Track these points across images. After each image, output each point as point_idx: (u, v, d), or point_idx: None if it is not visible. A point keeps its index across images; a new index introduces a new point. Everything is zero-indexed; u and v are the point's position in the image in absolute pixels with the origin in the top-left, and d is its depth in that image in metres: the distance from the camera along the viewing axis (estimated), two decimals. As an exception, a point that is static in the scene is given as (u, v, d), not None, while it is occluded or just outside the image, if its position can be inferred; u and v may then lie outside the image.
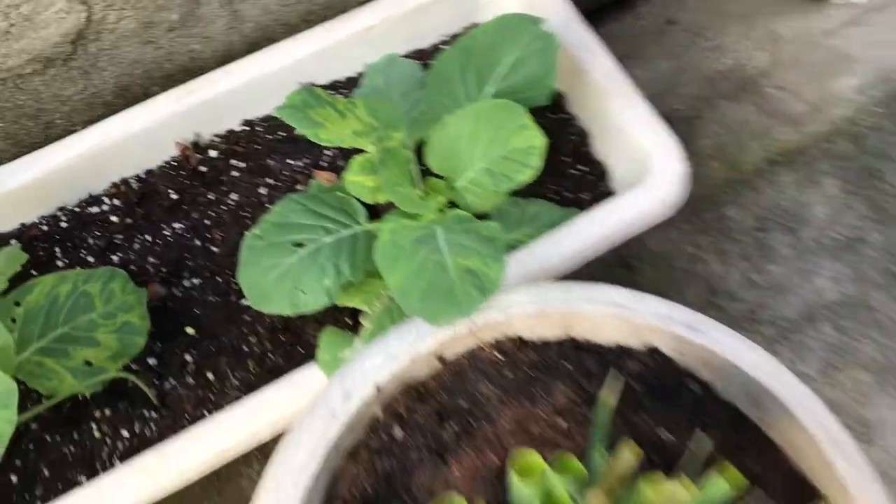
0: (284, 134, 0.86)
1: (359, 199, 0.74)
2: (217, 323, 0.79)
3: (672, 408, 0.62)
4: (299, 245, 0.71)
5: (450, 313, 0.61)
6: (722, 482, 0.47)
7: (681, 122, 1.14)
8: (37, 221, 0.84)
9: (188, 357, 0.78)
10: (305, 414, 0.61)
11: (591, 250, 0.76)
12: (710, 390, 0.64)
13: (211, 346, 0.78)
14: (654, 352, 0.65)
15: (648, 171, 0.79)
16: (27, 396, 0.75)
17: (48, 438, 0.75)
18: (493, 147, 0.70)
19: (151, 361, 0.78)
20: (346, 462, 0.62)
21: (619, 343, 0.66)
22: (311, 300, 0.69)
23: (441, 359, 0.64)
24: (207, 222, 0.83)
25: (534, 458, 0.43)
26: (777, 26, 1.22)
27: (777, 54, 1.19)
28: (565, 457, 0.43)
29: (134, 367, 0.78)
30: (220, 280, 0.81)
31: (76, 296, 0.72)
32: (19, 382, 0.64)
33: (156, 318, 0.79)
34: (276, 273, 0.70)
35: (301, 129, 0.66)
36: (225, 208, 0.84)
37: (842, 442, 0.60)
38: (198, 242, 0.83)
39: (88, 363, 0.71)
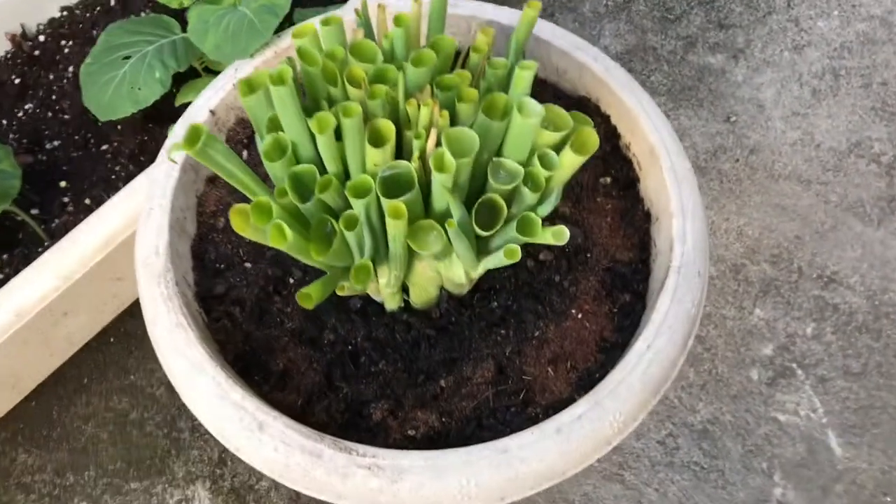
0: (99, 8, 0.97)
1: (171, 15, 0.86)
2: (84, 169, 0.89)
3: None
4: (127, 58, 0.82)
5: (255, 41, 0.74)
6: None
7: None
8: None
9: (66, 199, 0.88)
10: (162, 150, 0.72)
11: None
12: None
13: (84, 185, 0.88)
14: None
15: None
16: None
17: (-41, 295, 0.83)
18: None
19: (34, 212, 0.87)
20: (208, 187, 0.73)
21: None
22: (149, 93, 0.81)
23: (264, 90, 0.76)
24: (54, 97, 0.93)
25: (307, 26, 0.55)
26: None
27: None
28: (331, 17, 0.56)
29: (19, 218, 0.87)
30: (78, 137, 0.91)
31: (-53, 156, 0.81)
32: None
33: (29, 181, 0.89)
34: (114, 83, 0.81)
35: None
36: (66, 81, 0.94)
37: (583, 46, 0.75)
38: (50, 114, 0.93)
39: (-27, 205, 0.80)
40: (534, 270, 0.69)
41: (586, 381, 0.64)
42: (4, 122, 0.92)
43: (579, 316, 0.67)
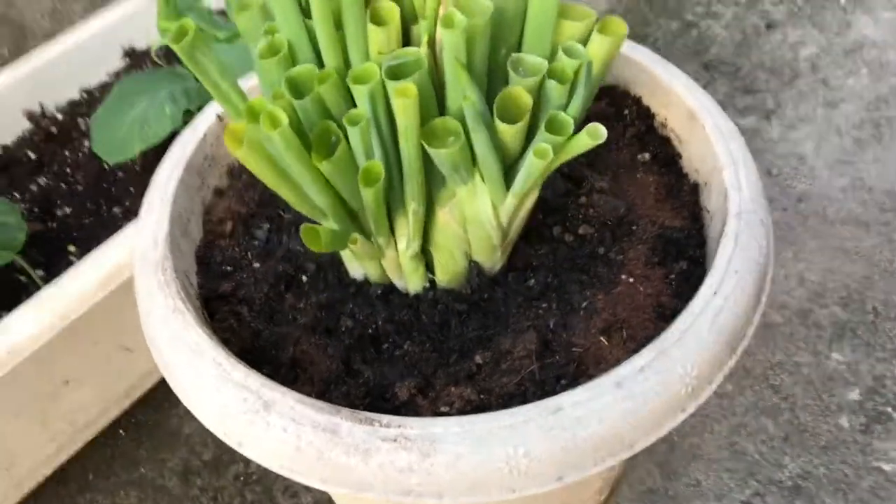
0: (120, 88, 0.97)
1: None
2: (95, 234, 0.85)
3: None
4: (139, 103, 0.80)
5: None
6: None
7: None
8: None
9: (73, 259, 0.83)
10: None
11: None
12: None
13: (92, 246, 0.83)
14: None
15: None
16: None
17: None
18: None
19: (40, 272, 0.82)
20: (216, 198, 0.68)
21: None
22: (159, 128, 0.78)
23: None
24: (68, 169, 0.91)
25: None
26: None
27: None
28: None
29: (23, 279, 0.82)
30: (91, 204, 0.88)
31: (-50, 208, 0.78)
32: None
33: (36, 245, 0.85)
34: (124, 125, 0.79)
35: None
36: (82, 154, 0.92)
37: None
38: (63, 186, 0.90)
39: (-27, 254, 0.76)
40: (574, 245, 0.61)
41: (647, 349, 0.55)
42: (17, 195, 0.90)
43: (630, 280, 0.58)
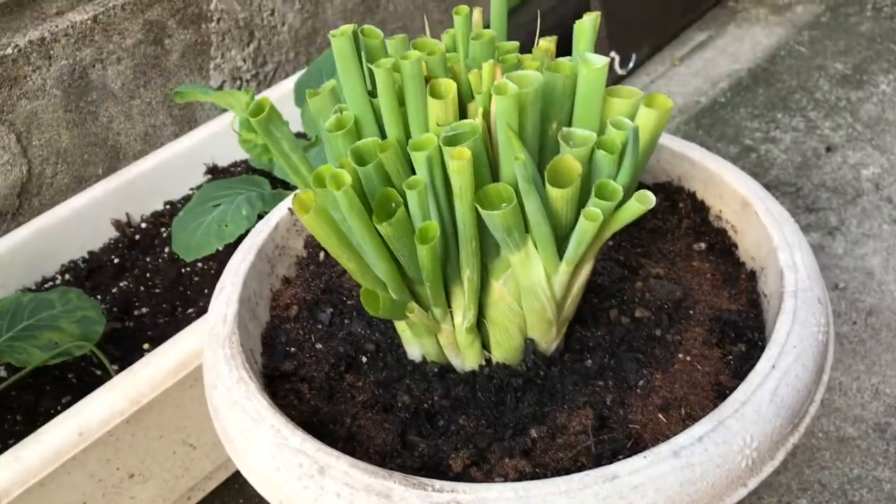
0: (200, 201, 1.03)
1: (261, 173, 0.91)
2: (168, 333, 0.88)
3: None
4: (218, 205, 0.86)
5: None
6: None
7: None
8: (1, 303, 0.95)
9: (147, 355, 0.86)
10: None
11: None
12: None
13: (166, 343, 0.87)
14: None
15: None
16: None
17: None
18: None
19: (115, 367, 0.85)
20: (284, 286, 0.71)
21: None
22: (235, 228, 0.82)
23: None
24: (148, 274, 0.96)
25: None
26: None
27: None
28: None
29: (99, 373, 0.85)
30: (166, 305, 0.92)
31: (37, 301, 0.82)
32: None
33: (113, 342, 0.89)
34: (203, 226, 0.84)
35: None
36: (161, 260, 0.97)
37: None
38: (142, 289, 0.95)
39: (56, 343, 0.79)
40: (630, 328, 0.62)
41: (706, 426, 0.54)
42: (98, 297, 0.95)
43: (688, 359, 0.58)
